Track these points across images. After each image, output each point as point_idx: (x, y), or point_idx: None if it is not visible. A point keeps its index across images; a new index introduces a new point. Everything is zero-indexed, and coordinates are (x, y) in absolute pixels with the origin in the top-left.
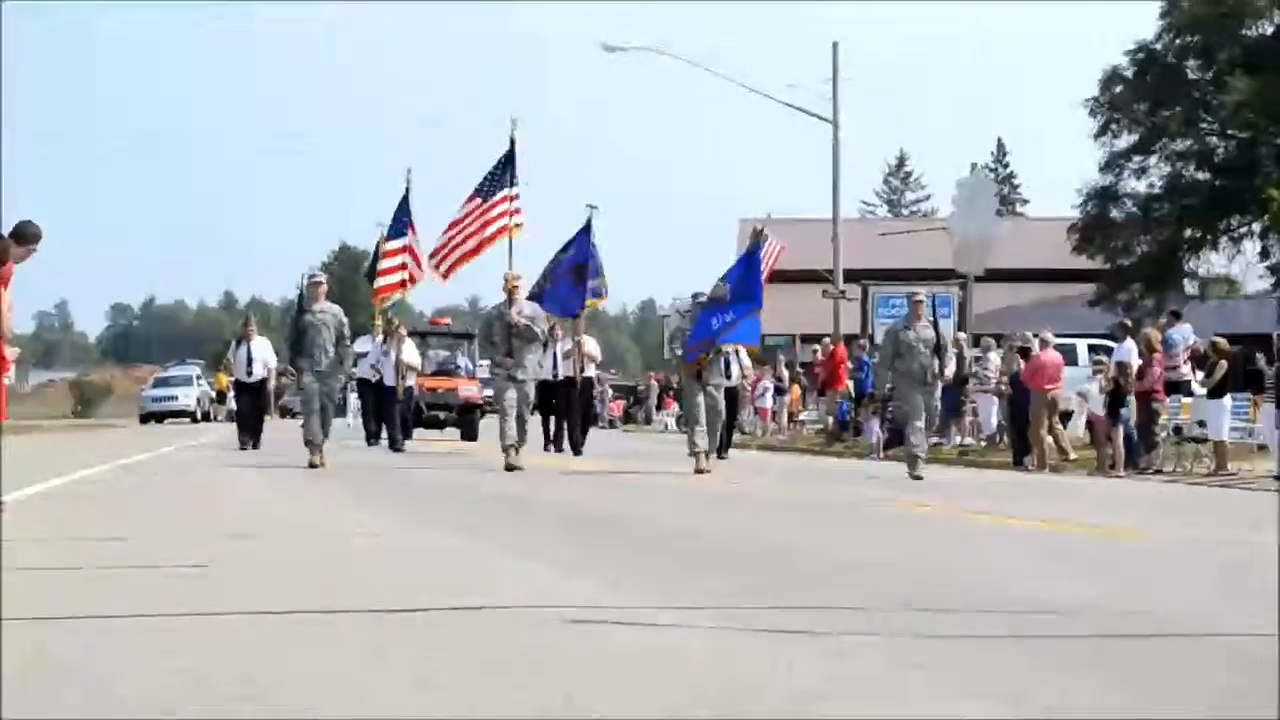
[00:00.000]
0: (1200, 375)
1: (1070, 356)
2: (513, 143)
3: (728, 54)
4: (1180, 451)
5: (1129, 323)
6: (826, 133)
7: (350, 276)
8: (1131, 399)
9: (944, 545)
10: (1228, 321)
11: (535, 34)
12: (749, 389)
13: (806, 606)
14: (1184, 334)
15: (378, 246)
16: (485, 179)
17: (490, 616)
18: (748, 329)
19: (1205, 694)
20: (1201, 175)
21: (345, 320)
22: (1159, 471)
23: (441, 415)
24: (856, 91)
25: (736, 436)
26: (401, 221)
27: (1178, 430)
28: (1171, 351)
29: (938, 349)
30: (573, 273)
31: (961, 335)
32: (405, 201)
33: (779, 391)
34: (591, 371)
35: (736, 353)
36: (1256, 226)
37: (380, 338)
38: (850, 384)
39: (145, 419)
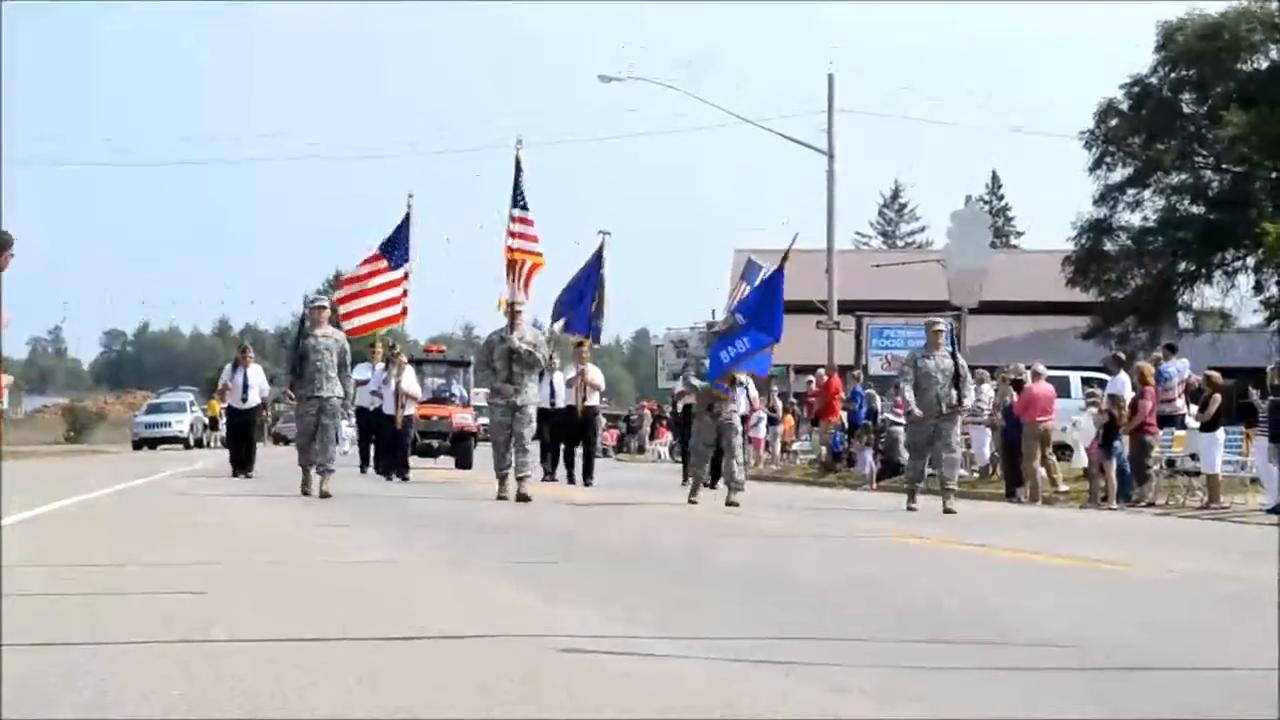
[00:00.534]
0: (1194, 409)
1: (1064, 389)
2: (518, 162)
3: (723, 85)
4: (1173, 485)
5: (1122, 356)
6: (822, 164)
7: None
8: (1124, 433)
9: (940, 577)
10: (1221, 355)
11: (531, 62)
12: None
13: (803, 637)
14: (1179, 367)
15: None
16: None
17: (484, 645)
18: (760, 360)
19: None
20: (1196, 209)
21: (347, 346)
22: (1151, 504)
23: (435, 443)
24: (852, 123)
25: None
26: (404, 249)
27: (1170, 463)
28: (1165, 385)
29: (956, 379)
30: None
31: None
32: (406, 228)
33: (772, 422)
34: (595, 400)
35: (746, 384)
36: (1250, 260)
37: (380, 364)
38: (844, 415)
39: (138, 445)
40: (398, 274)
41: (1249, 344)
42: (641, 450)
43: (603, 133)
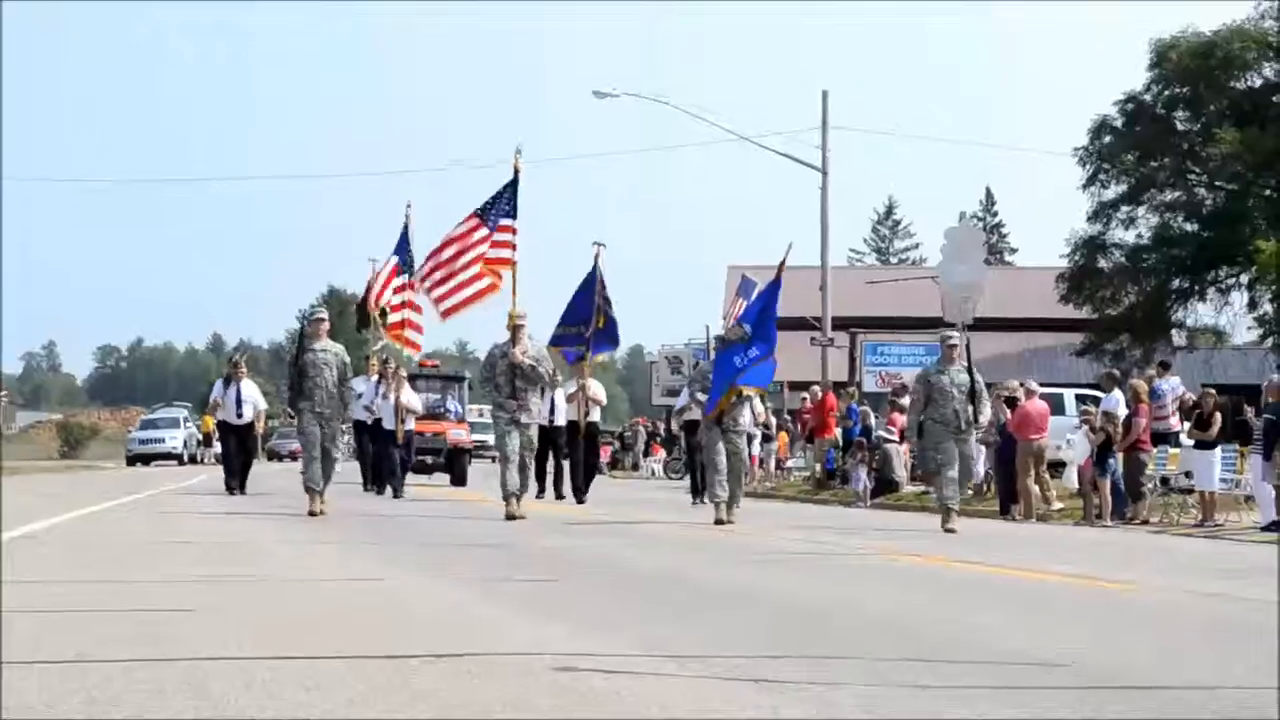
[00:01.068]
0: (1189, 426)
1: (1058, 406)
2: (516, 171)
3: (717, 101)
4: (1167, 502)
5: (1116, 373)
6: (816, 181)
7: (337, 320)
8: (1118, 450)
9: (932, 595)
10: (1215, 372)
11: (529, 77)
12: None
13: (793, 655)
14: (1172, 385)
15: (374, 281)
16: (488, 203)
17: (474, 664)
18: (763, 371)
19: None
20: (1189, 226)
21: (348, 360)
22: (1145, 522)
23: (429, 459)
24: (846, 140)
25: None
26: (404, 261)
27: (1164, 481)
28: (1159, 402)
29: (972, 394)
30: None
31: None
32: (405, 238)
33: (766, 439)
34: (596, 416)
35: (751, 399)
36: (1244, 278)
37: (375, 378)
38: (838, 432)
39: (132, 461)
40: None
41: (1243, 361)
42: (635, 467)
43: (595, 149)
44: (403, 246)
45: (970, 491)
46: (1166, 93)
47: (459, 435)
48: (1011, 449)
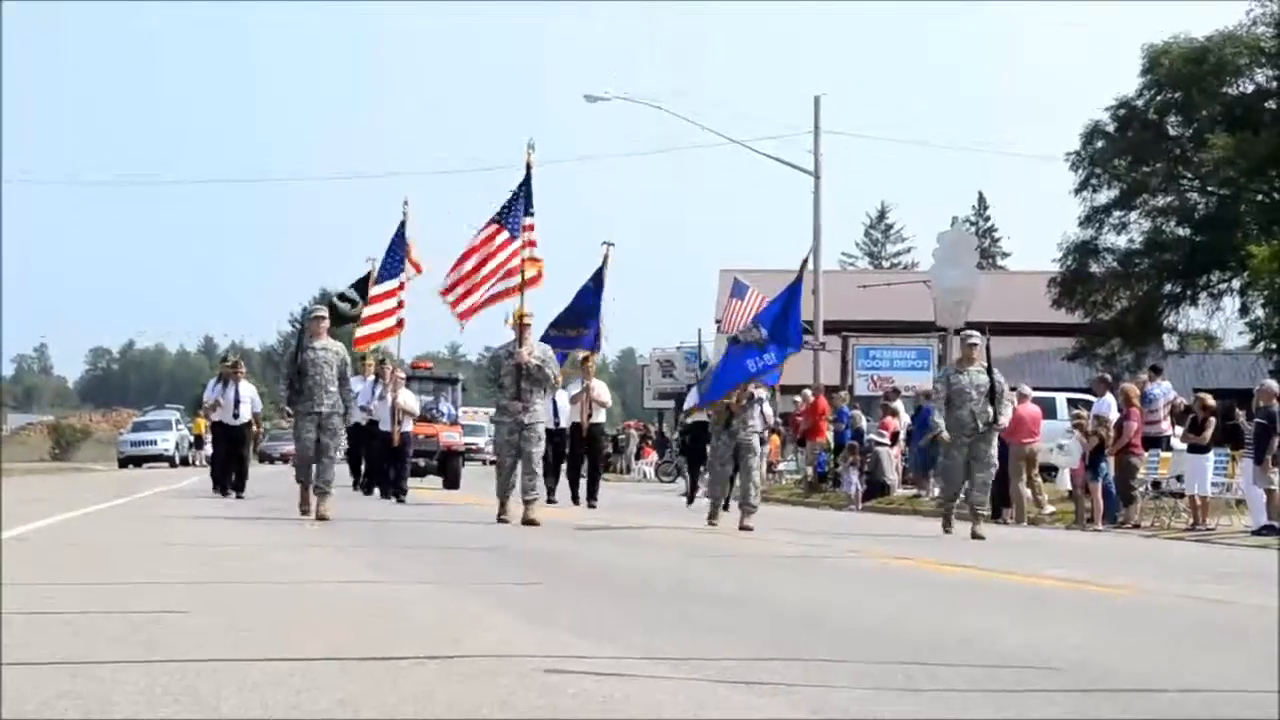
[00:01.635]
0: (1180, 430)
1: (1050, 410)
2: (529, 168)
3: (709, 104)
4: (1158, 506)
5: (1108, 377)
6: (808, 185)
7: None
8: (1110, 454)
9: (925, 598)
10: (1206, 377)
11: (521, 79)
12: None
13: (786, 658)
14: (1164, 390)
15: (364, 282)
16: (505, 207)
17: (465, 665)
18: (773, 371)
19: None
20: (1181, 231)
21: (348, 359)
22: (1137, 526)
23: (422, 462)
24: (839, 144)
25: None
26: (396, 259)
27: (1156, 485)
28: (1150, 407)
29: (992, 395)
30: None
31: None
32: (401, 235)
33: (760, 441)
34: (601, 417)
35: (762, 400)
36: (1236, 282)
37: (371, 378)
38: (830, 435)
39: (124, 463)
40: (392, 284)
41: (1234, 366)
42: (627, 470)
43: (586, 152)
44: (396, 247)
45: (985, 494)
46: (1159, 98)
47: (452, 438)
48: (1004, 453)
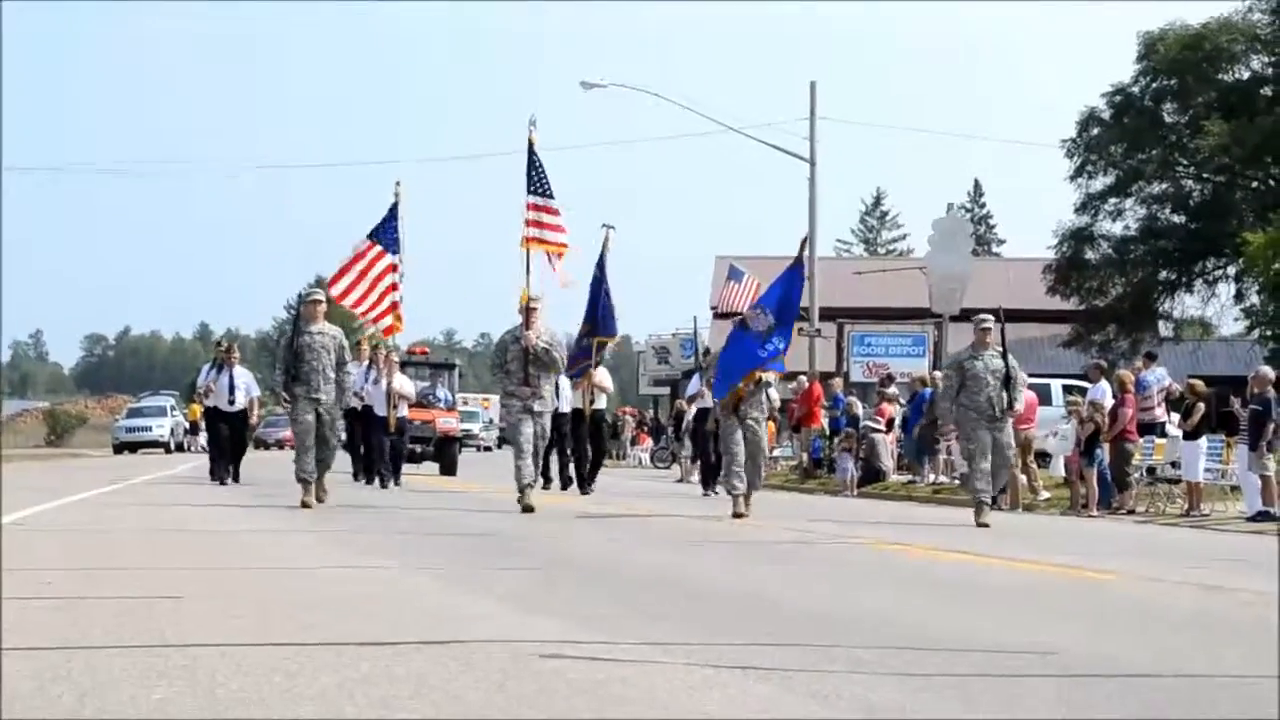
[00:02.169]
0: (1175, 417)
1: (1045, 397)
2: (531, 145)
3: (705, 91)
4: (1153, 492)
5: (1103, 364)
6: (804, 171)
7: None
8: (1105, 441)
9: (920, 585)
10: (1202, 363)
11: (516, 67)
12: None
13: (781, 644)
14: (1158, 376)
15: (357, 258)
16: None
17: (461, 651)
18: (780, 357)
19: None
20: (1177, 218)
21: (346, 343)
22: (1132, 512)
23: (419, 448)
24: (834, 130)
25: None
26: (391, 237)
27: (1151, 471)
28: (1145, 393)
29: (1007, 380)
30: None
31: (937, 374)
32: (393, 216)
33: None
34: (602, 403)
35: (769, 385)
36: (1231, 269)
37: (365, 363)
38: (825, 421)
39: (119, 449)
40: (389, 261)
41: (1229, 352)
42: (622, 456)
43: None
44: (389, 228)
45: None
46: (1154, 85)
47: (448, 424)
48: None
